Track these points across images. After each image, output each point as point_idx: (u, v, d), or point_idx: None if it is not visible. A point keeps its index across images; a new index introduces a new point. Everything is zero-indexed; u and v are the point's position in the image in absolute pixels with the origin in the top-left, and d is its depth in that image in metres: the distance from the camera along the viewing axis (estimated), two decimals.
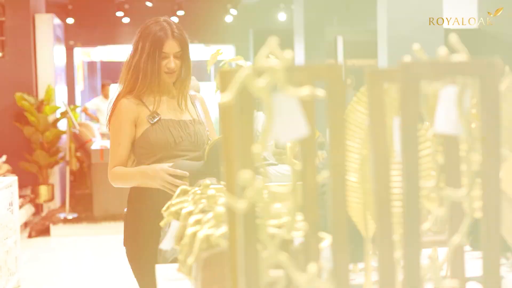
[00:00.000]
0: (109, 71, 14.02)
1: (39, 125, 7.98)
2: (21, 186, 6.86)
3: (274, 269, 0.91)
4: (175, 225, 1.46)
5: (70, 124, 7.85)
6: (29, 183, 7.95)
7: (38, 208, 8.05)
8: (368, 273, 1.28)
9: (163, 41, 2.55)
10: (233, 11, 12.11)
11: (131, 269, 2.64)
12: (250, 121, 0.88)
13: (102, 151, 7.65)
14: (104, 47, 13.89)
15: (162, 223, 1.57)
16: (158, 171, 2.47)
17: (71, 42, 12.74)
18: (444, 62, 0.93)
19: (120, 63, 2.79)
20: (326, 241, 1.09)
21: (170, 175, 2.45)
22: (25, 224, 7.46)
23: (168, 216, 1.52)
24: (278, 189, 1.01)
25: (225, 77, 0.92)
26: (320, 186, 0.99)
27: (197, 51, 12.07)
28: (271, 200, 1.04)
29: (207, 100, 2.84)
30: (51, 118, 8.21)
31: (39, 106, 8.10)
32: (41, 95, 8.27)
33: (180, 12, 11.66)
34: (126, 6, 11.91)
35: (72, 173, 8.85)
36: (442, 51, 0.98)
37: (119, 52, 13.29)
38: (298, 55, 8.84)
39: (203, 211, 1.40)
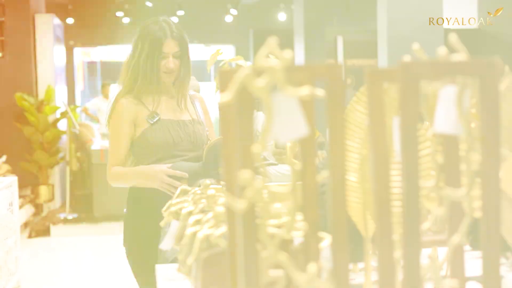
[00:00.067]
0: (109, 71, 13.99)
1: (39, 125, 7.98)
2: (21, 186, 6.85)
3: (274, 269, 0.91)
4: (175, 225, 1.46)
5: (70, 124, 7.85)
6: (29, 183, 7.95)
7: (38, 208, 8.04)
8: (368, 273, 1.28)
9: (162, 41, 2.55)
10: (233, 11, 12.11)
11: (131, 269, 2.64)
12: (250, 121, 0.88)
13: (102, 151, 7.65)
14: (104, 47, 13.88)
15: (162, 223, 1.57)
16: (157, 172, 2.47)
17: (71, 42, 12.74)
18: (444, 62, 0.93)
19: (120, 63, 2.79)
20: (326, 241, 1.09)
21: (169, 176, 2.45)
22: (25, 224, 7.46)
23: (168, 216, 1.52)
24: (278, 189, 1.01)
25: (225, 77, 0.92)
26: (320, 186, 0.99)
27: (197, 51, 12.06)
28: (271, 200, 1.04)
29: (207, 100, 2.84)
30: (51, 118, 8.21)
31: (39, 106, 8.10)
32: (41, 95, 8.28)
33: (180, 12, 11.66)
34: (126, 6, 11.92)
35: (72, 173, 8.84)
36: (442, 51, 0.98)
37: (119, 52, 13.26)
38: (298, 55, 8.84)
39: (203, 211, 1.40)
